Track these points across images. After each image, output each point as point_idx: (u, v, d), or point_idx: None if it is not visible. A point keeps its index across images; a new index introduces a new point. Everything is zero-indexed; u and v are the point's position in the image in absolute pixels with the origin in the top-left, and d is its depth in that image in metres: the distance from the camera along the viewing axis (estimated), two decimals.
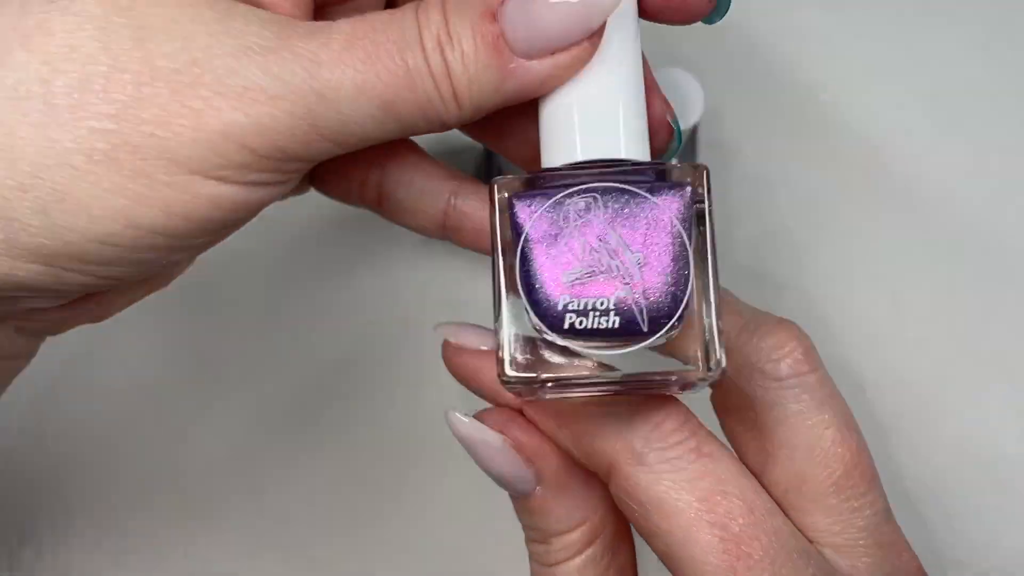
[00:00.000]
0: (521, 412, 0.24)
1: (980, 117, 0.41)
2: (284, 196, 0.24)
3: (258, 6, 0.21)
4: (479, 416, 0.24)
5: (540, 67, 0.20)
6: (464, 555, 0.35)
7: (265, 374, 0.37)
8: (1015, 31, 0.42)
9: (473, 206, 0.25)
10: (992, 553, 0.36)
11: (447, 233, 0.26)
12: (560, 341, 0.20)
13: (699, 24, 0.22)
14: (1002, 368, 0.38)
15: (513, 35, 0.20)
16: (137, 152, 0.19)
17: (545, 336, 0.20)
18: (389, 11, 0.21)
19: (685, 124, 0.31)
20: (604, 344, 0.20)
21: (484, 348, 0.25)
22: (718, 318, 0.20)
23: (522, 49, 0.20)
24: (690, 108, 0.31)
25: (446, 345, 0.25)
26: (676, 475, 0.21)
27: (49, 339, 0.33)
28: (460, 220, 0.25)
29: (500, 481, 0.24)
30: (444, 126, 0.22)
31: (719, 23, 0.23)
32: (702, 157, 0.38)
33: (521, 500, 0.24)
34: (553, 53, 0.20)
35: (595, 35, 0.20)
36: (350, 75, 0.20)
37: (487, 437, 0.24)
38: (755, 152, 0.40)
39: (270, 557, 0.35)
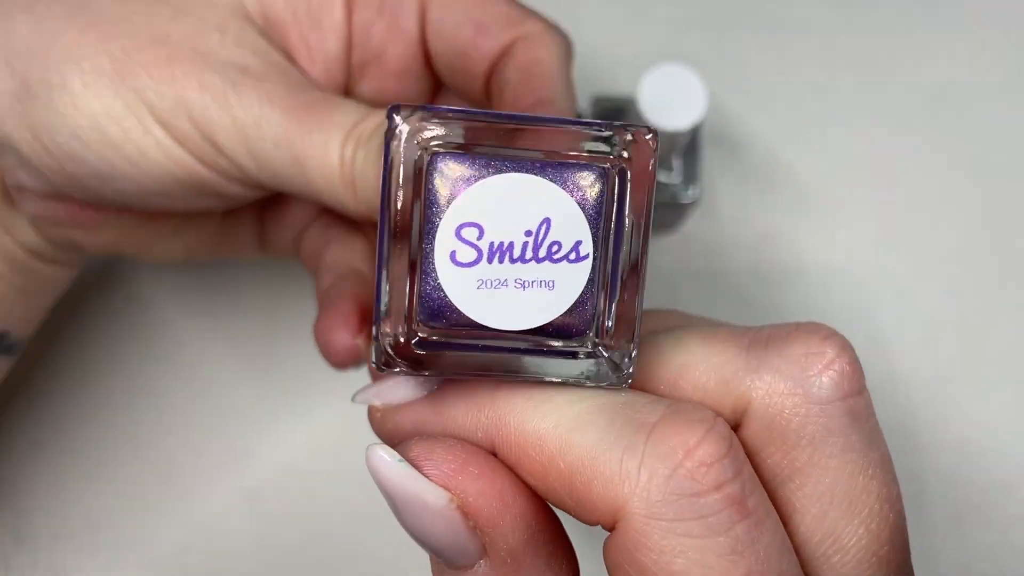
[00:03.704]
0: (485, 450, 0.17)
1: (985, 113, 0.40)
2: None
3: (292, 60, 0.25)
4: (417, 455, 0.17)
5: None
6: None
7: (263, 374, 0.36)
8: (1018, 30, 0.41)
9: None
10: (998, 554, 0.36)
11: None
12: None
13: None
14: (1008, 368, 0.38)
15: None
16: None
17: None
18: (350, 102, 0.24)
19: (687, 122, 0.31)
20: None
21: (418, 395, 0.18)
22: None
23: None
24: (692, 105, 0.31)
25: (372, 413, 0.19)
26: (705, 543, 0.14)
27: (47, 341, 0.32)
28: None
29: (428, 547, 0.17)
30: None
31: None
32: (706, 155, 0.38)
33: (451, 570, 0.17)
34: None
35: None
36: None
37: (425, 494, 0.16)
38: (758, 149, 0.40)
39: (269, 560, 0.35)
